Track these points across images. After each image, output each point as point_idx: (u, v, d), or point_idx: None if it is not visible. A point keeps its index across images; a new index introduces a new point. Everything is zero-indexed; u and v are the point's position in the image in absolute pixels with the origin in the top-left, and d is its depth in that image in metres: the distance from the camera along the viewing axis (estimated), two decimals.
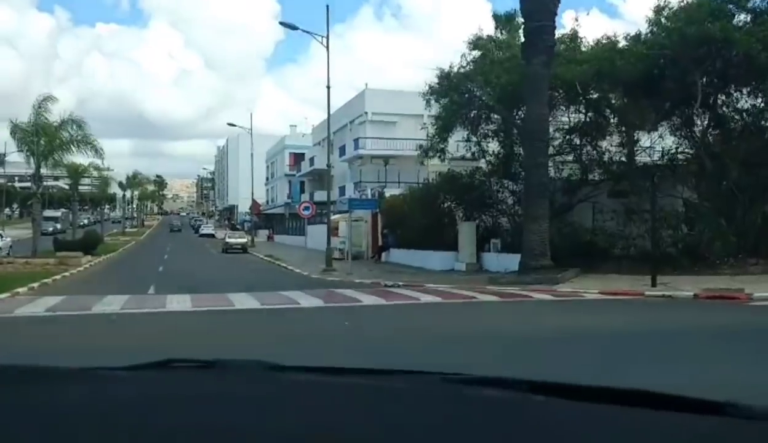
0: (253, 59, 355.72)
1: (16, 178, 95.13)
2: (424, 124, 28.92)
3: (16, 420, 0.92)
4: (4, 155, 69.56)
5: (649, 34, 21.84)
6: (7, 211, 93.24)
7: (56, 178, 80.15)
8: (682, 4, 20.63)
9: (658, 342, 9.08)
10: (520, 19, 26.36)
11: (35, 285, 18.93)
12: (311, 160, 57.98)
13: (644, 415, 0.99)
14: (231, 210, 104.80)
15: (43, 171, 39.84)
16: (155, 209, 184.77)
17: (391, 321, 12.14)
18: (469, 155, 27.61)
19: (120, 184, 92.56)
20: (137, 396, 1.10)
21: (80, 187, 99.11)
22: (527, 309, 14.13)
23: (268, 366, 1.43)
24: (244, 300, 14.99)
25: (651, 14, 21.77)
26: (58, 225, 74.76)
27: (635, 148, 23.81)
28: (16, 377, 1.24)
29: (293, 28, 28.35)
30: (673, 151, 23.30)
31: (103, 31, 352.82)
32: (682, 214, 21.26)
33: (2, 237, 33.71)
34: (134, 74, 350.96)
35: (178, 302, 14.66)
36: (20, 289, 17.27)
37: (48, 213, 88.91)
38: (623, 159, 23.83)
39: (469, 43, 25.43)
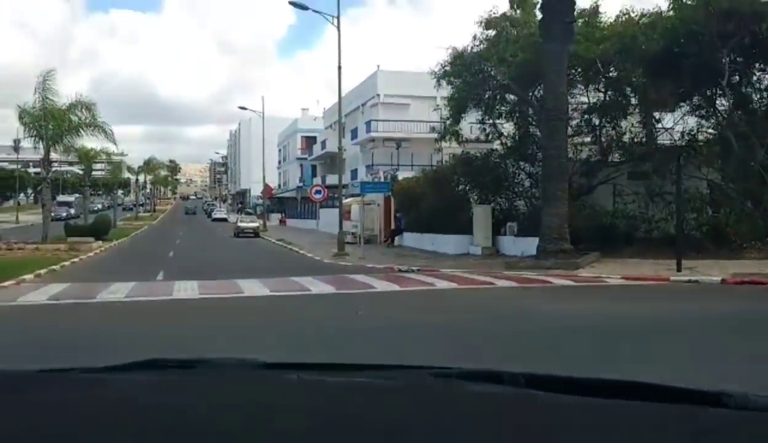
0: (267, 43, 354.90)
1: (31, 164, 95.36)
2: (437, 105, 28.23)
3: None
4: (19, 141, 69.48)
5: (671, 11, 20.96)
6: (21, 196, 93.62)
7: (71, 164, 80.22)
8: None
9: (690, 332, 8.52)
10: None
11: (42, 271, 18.59)
12: (323, 143, 57.45)
13: (641, 408, 0.98)
14: (244, 194, 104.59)
15: (55, 156, 39.58)
16: (169, 194, 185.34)
17: (404, 310, 11.60)
18: (483, 137, 26.94)
19: (130, 169, 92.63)
20: (117, 400, 1.06)
21: (94, 172, 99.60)
22: (547, 295, 13.55)
23: (255, 364, 1.39)
24: (253, 287, 14.53)
25: None
26: (72, 211, 74.88)
27: (656, 128, 23.03)
28: None
29: (303, 8, 27.66)
30: (695, 130, 22.52)
31: (118, 16, 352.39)
32: (706, 196, 20.55)
33: None
34: (148, 59, 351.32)
35: (186, 289, 14.25)
36: (27, 276, 16.93)
37: (62, 198, 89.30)
38: (644, 139, 23.05)
39: (481, 22, 24.52)
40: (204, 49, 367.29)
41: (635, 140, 23.32)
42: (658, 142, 22.94)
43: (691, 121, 22.65)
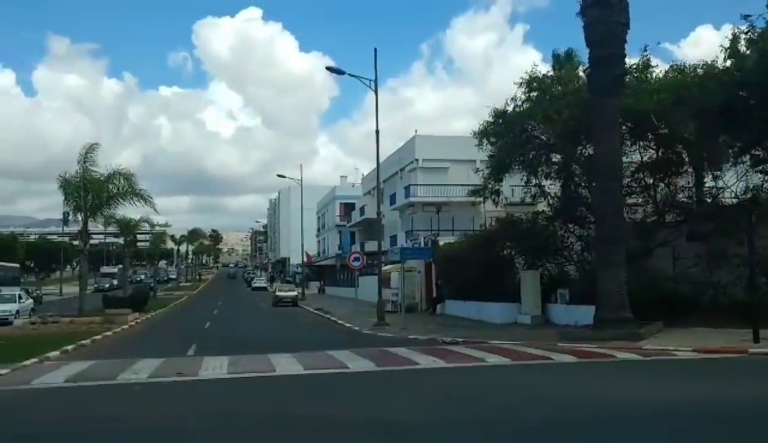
0: (309, 115, 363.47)
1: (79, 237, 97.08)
2: (477, 168, 27.35)
3: None
4: (67, 214, 71.06)
5: (726, 61, 19.84)
6: (67, 269, 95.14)
7: (116, 236, 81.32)
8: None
9: None
10: (580, 57, 24.90)
11: (70, 347, 17.82)
12: (361, 209, 57.00)
13: None
14: (283, 262, 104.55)
15: (98, 227, 39.80)
16: (211, 263, 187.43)
17: (456, 392, 10.27)
18: (528, 199, 25.80)
19: (173, 239, 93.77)
20: None
21: (138, 244, 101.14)
22: (616, 373, 12.00)
23: None
24: (286, 364, 13.41)
25: (726, 43, 19.86)
26: (115, 282, 75.55)
27: (717, 187, 21.55)
28: None
29: (340, 72, 27.46)
30: (760, 186, 20.95)
31: (169, 94, 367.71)
32: None
33: (21, 299, 32.55)
34: (196, 133, 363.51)
35: (214, 367, 13.19)
36: (52, 353, 16.15)
37: (105, 270, 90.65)
38: (704, 198, 21.57)
39: (522, 83, 23.68)
40: (249, 123, 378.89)
41: (693, 199, 21.86)
42: (719, 199, 21.45)
43: (755, 177, 21.11)
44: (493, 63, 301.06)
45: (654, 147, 22.64)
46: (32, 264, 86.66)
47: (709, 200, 21.68)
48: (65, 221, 76.90)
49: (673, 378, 11.21)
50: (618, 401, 8.80)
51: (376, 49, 26.79)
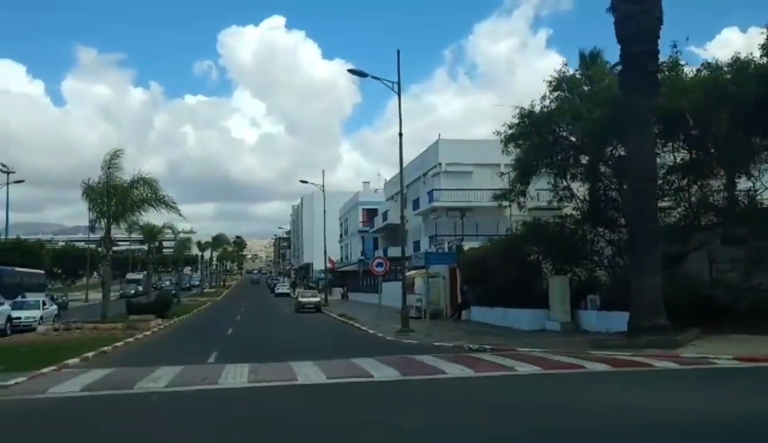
0: (332, 123, 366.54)
1: None
2: (501, 172, 26.76)
3: None
4: (94, 221, 71.42)
5: (763, 58, 19.08)
6: (94, 275, 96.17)
7: (141, 243, 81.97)
8: None
9: None
10: (606, 57, 24.24)
11: (90, 354, 17.60)
12: (384, 215, 56.59)
13: None
14: (307, 268, 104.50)
15: (122, 233, 40.01)
16: (235, 269, 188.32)
17: (486, 403, 9.75)
18: (555, 202, 25.13)
19: (198, 245, 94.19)
20: None
21: (164, 250, 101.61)
22: (655, 383, 11.35)
23: None
24: (308, 372, 12.97)
25: (763, 40, 19.12)
26: (140, 288, 76.12)
27: (755, 189, 20.73)
28: None
29: (363, 75, 27.03)
30: None
31: (194, 102, 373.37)
32: None
33: (45, 305, 32.56)
34: (221, 141, 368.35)
35: (234, 375, 12.81)
36: (71, 360, 15.91)
37: (130, 276, 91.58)
38: (739, 200, 20.77)
39: (551, 82, 23.09)
40: (273, 130, 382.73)
41: (728, 200, 21.05)
42: (756, 201, 20.63)
43: None
44: (516, 68, 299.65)
45: (686, 148, 21.88)
46: (59, 271, 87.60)
47: (744, 202, 20.84)
48: (92, 228, 77.41)
49: (716, 388, 10.53)
50: (660, 412, 8.23)
51: (399, 51, 26.55)
